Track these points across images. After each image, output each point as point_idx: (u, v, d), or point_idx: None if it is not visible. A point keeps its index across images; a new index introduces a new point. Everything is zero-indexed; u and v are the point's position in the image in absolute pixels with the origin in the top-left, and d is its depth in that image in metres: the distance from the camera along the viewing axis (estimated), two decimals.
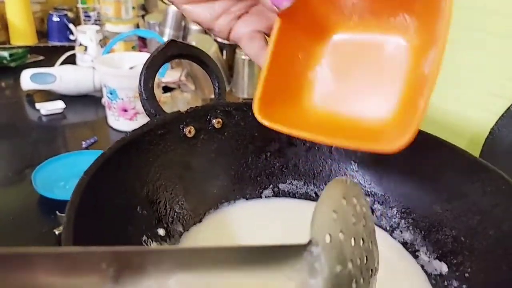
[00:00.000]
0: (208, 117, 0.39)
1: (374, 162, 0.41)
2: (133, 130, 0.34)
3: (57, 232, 0.41)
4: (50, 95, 0.89)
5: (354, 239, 0.25)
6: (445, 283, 0.33)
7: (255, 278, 0.20)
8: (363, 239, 0.25)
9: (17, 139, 0.70)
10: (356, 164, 0.42)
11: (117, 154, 0.31)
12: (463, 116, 0.62)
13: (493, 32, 0.55)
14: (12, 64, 1.07)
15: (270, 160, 0.43)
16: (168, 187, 0.36)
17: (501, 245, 0.30)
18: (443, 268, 0.34)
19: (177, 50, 0.37)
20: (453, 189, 0.36)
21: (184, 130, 0.38)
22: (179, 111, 0.38)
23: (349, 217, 0.25)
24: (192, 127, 0.38)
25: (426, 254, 0.36)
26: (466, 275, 0.32)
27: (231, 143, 0.41)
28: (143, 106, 0.36)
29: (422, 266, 0.35)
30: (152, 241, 0.33)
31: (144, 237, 0.32)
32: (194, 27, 1.09)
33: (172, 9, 1.27)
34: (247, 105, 0.42)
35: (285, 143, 0.43)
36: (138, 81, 0.36)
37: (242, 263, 0.19)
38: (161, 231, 0.34)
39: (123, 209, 0.31)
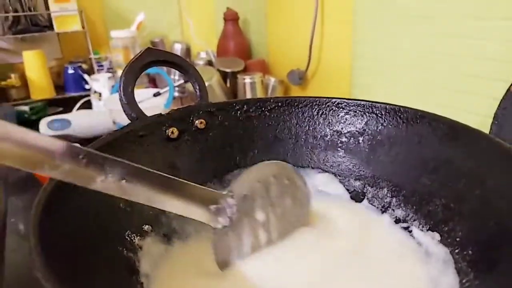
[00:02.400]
0: (191, 118, 0.41)
1: (359, 146, 0.41)
2: (114, 131, 0.35)
3: None
4: (67, 140, 0.94)
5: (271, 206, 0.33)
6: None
7: (175, 206, 0.28)
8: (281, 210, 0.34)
9: (38, 188, 0.73)
10: (343, 150, 0.42)
11: (99, 151, 0.33)
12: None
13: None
14: (33, 117, 1.14)
15: (258, 157, 0.43)
16: None
17: (487, 201, 0.29)
18: (436, 237, 0.32)
19: (154, 57, 0.39)
20: (437, 158, 0.35)
21: (167, 131, 0.39)
22: (160, 113, 0.39)
23: (272, 190, 0.33)
24: (174, 128, 0.39)
25: (418, 227, 0.34)
26: (457, 239, 0.30)
27: (217, 143, 0.42)
28: (124, 111, 0.38)
29: (415, 239, 0.34)
30: (137, 235, 0.33)
31: (128, 232, 0.32)
32: (198, 62, 1.14)
33: (177, 48, 1.34)
34: (230, 104, 0.43)
35: (272, 138, 0.44)
36: (118, 87, 0.38)
37: (171, 192, 0.28)
38: (146, 227, 0.34)
39: (105, 203, 0.31)
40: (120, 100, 0.37)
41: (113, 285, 0.28)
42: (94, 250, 0.28)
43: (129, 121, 0.38)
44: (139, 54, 0.38)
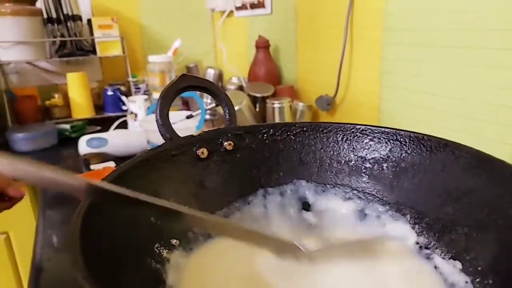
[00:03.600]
0: (220, 140, 0.43)
1: (383, 172, 0.42)
2: (149, 150, 0.38)
3: None
4: (104, 158, 0.98)
5: None
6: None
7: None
8: None
9: (74, 202, 0.77)
10: (367, 176, 0.43)
11: (133, 169, 0.35)
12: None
13: None
14: (74, 135, 1.21)
15: (283, 178, 0.45)
16: (181, 203, 0.39)
17: (510, 231, 0.29)
18: (457, 265, 0.32)
19: (188, 82, 0.42)
20: (460, 186, 0.35)
21: (197, 152, 0.41)
22: (192, 135, 0.42)
23: None
24: (204, 149, 0.42)
25: (440, 255, 0.34)
26: (479, 268, 0.30)
27: (243, 164, 0.44)
28: (159, 131, 0.41)
29: (436, 267, 0.34)
30: (165, 249, 0.35)
31: (157, 245, 0.34)
32: (230, 86, 1.18)
33: (210, 73, 1.39)
34: (257, 128, 0.45)
35: (297, 161, 0.45)
36: (155, 110, 0.41)
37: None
38: (174, 241, 0.36)
39: (137, 217, 0.34)
40: (156, 121, 0.40)
41: None
42: (126, 261, 0.30)
43: (163, 141, 0.41)
44: (175, 80, 0.41)
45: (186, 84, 0.42)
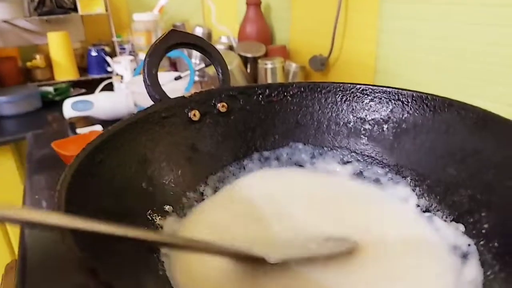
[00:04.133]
0: (213, 101, 0.41)
1: (383, 134, 0.40)
2: (138, 112, 0.36)
3: None
4: (90, 121, 0.95)
5: None
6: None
7: None
8: None
9: (61, 167, 0.75)
10: (366, 138, 0.41)
11: (122, 131, 0.33)
12: None
13: None
14: (57, 98, 1.16)
15: (279, 142, 0.43)
16: (174, 168, 0.37)
17: None
18: (460, 228, 0.31)
19: (178, 39, 0.39)
20: (465, 147, 0.34)
21: (189, 114, 0.39)
22: (183, 96, 0.39)
23: None
24: (196, 111, 0.39)
25: (441, 218, 0.34)
26: (483, 231, 0.29)
27: (238, 127, 0.42)
28: (148, 92, 0.38)
29: (437, 230, 0.33)
30: (158, 215, 0.33)
31: (150, 211, 0.33)
32: (219, 46, 1.14)
33: (198, 32, 1.33)
34: (252, 89, 0.43)
35: (293, 123, 0.43)
36: (142, 69, 0.38)
37: None
38: (167, 207, 0.35)
39: (127, 182, 0.32)
40: (144, 81, 0.37)
41: (134, 262, 0.29)
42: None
43: (152, 103, 0.38)
44: (164, 35, 0.38)
45: (176, 41, 0.39)
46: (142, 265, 0.29)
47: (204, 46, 0.41)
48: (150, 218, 0.33)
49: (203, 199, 0.38)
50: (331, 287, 0.27)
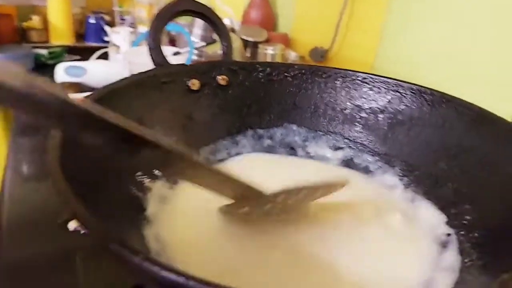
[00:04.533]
0: (214, 73, 0.41)
1: (378, 123, 0.41)
2: (138, 73, 0.35)
3: None
4: (80, 88, 0.94)
5: None
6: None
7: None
8: None
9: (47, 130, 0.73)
10: (361, 125, 0.42)
11: (119, 90, 0.33)
12: None
13: None
14: (50, 62, 1.14)
15: (274, 121, 0.43)
16: (168, 134, 0.37)
17: (501, 189, 0.29)
18: (443, 218, 0.32)
19: (186, 6, 0.39)
20: (462, 144, 0.34)
21: (188, 82, 0.39)
22: (184, 63, 0.39)
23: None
24: (196, 81, 0.39)
25: (425, 208, 0.34)
26: (464, 222, 0.30)
27: (235, 101, 0.42)
28: (150, 56, 0.38)
29: (420, 219, 0.34)
30: (147, 177, 0.33)
31: (139, 173, 0.33)
32: None
33: None
34: (253, 65, 0.43)
35: (290, 105, 0.43)
36: (147, 33, 0.37)
37: None
38: (157, 172, 0.35)
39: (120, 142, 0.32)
40: (148, 44, 0.37)
41: (120, 219, 0.29)
42: (105, 186, 0.28)
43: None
44: (174, 1, 0.38)
45: (184, 8, 0.39)
46: (127, 223, 0.29)
47: (212, 17, 0.41)
48: (139, 180, 0.33)
49: None
50: (306, 246, 0.29)
